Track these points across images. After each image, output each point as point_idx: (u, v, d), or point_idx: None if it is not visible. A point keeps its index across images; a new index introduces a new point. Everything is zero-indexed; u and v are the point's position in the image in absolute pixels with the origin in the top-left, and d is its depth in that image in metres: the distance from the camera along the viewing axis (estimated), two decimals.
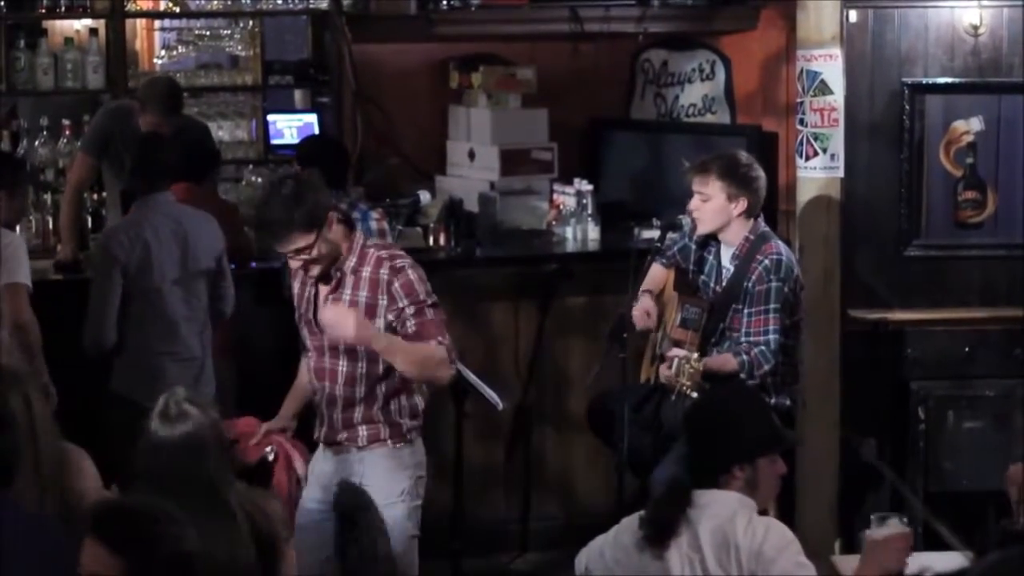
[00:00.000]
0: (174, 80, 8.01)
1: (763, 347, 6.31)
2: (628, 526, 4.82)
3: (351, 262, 5.40)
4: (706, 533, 4.63)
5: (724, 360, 6.26)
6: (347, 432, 5.50)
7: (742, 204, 6.42)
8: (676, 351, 6.18)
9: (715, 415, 4.81)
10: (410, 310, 5.35)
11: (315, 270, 5.39)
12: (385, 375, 5.44)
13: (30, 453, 4.38)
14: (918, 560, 5.27)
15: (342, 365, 5.46)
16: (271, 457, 5.53)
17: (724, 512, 4.64)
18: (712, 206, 6.44)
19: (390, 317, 5.36)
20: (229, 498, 4.44)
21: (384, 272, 5.37)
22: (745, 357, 6.27)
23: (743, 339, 6.36)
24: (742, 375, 6.24)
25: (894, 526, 4.57)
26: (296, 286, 5.60)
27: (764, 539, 4.57)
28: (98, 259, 6.77)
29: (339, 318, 5.25)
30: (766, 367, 6.31)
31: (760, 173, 6.48)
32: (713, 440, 4.70)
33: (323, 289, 5.46)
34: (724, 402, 4.93)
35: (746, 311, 6.39)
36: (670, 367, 6.09)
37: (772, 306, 6.35)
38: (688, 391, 6.01)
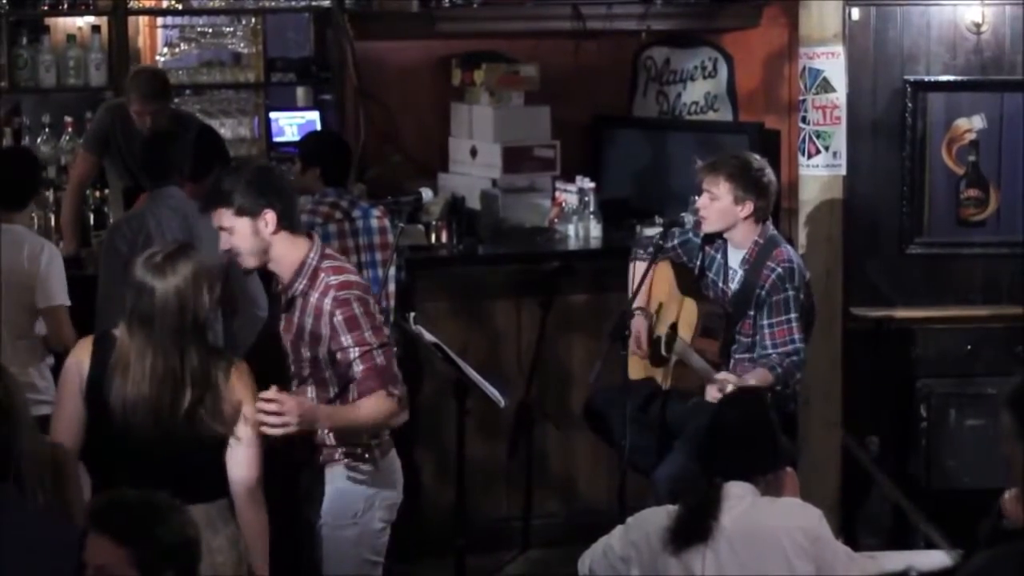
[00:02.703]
0: (157, 69, 8.00)
1: (794, 357, 6.30)
2: (638, 524, 4.84)
3: (301, 284, 5.19)
4: (727, 525, 4.68)
5: (763, 375, 6.23)
6: (304, 448, 5.28)
7: (748, 207, 6.41)
8: (727, 376, 6.13)
9: (757, 423, 4.89)
10: (355, 352, 5.10)
11: (245, 263, 5.20)
12: (336, 399, 5.23)
13: (14, 447, 4.40)
14: (903, 558, 5.31)
15: (294, 386, 5.27)
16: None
17: (741, 504, 4.70)
18: (719, 206, 6.43)
19: (333, 347, 5.15)
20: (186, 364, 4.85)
21: (328, 302, 5.13)
22: (780, 370, 6.26)
23: (770, 351, 6.34)
24: (777, 387, 6.23)
25: None
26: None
27: (804, 517, 4.75)
28: (102, 251, 6.80)
29: (281, 409, 4.91)
30: (798, 375, 6.33)
31: (771, 178, 6.46)
32: (754, 445, 4.85)
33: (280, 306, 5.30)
34: (762, 412, 5.02)
35: (766, 322, 6.37)
36: (722, 390, 6.03)
37: (793, 315, 6.35)
38: None
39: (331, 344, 5.14)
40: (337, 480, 5.26)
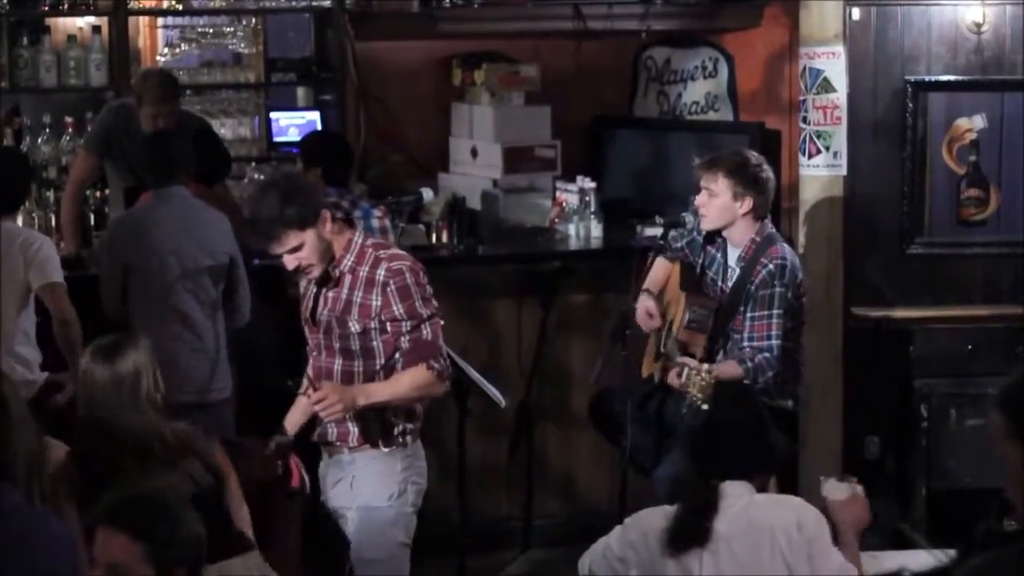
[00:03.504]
0: (166, 70, 8.02)
1: (767, 353, 6.29)
2: (636, 525, 4.84)
3: (349, 261, 5.35)
4: (724, 524, 4.68)
5: (731, 368, 6.24)
6: (339, 431, 5.45)
7: (748, 203, 6.42)
8: (686, 360, 6.14)
9: (751, 424, 4.89)
10: (406, 325, 5.30)
11: (313, 271, 5.35)
12: (382, 369, 5.38)
13: (10, 446, 4.41)
14: (894, 559, 5.31)
15: (338, 363, 5.42)
16: (280, 471, 5.46)
17: (738, 503, 4.70)
18: (718, 203, 6.43)
19: (384, 317, 5.31)
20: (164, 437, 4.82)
21: (380, 273, 5.31)
22: (749, 364, 6.26)
23: (745, 343, 6.34)
24: (746, 381, 6.23)
25: (846, 487, 4.80)
26: (302, 285, 5.58)
27: (801, 515, 4.74)
28: (103, 247, 6.81)
29: (323, 402, 5.18)
30: (769, 373, 6.30)
31: (769, 174, 6.47)
32: (749, 445, 4.84)
33: (324, 287, 5.43)
34: (756, 413, 5.02)
35: (748, 315, 6.37)
36: (680, 375, 6.06)
37: (775, 311, 6.34)
38: (699, 403, 5.96)
39: (383, 314, 5.31)
40: (373, 463, 5.42)
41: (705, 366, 6.05)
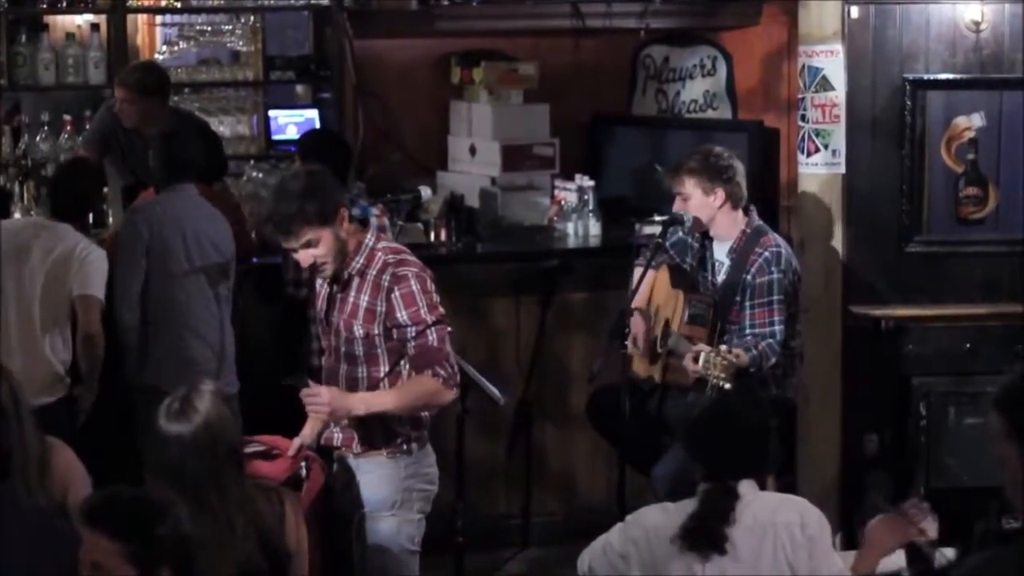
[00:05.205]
0: (152, 66, 7.98)
1: (770, 340, 6.34)
2: (637, 522, 4.84)
3: (358, 263, 5.31)
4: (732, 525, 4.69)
5: (739, 355, 6.25)
6: (344, 437, 5.43)
7: (720, 195, 6.48)
8: (701, 346, 6.17)
9: (759, 422, 4.88)
10: (412, 331, 5.24)
11: (327, 269, 5.30)
12: (386, 376, 5.35)
13: (19, 446, 4.41)
14: (893, 559, 5.30)
15: (344, 368, 5.38)
16: (304, 473, 5.37)
17: (744, 500, 4.71)
18: (693, 204, 6.51)
19: (389, 324, 5.26)
20: (227, 501, 4.50)
21: (386, 278, 5.27)
22: (755, 352, 6.29)
23: (748, 332, 6.37)
24: (751, 369, 6.25)
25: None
26: (318, 284, 5.54)
27: (804, 515, 4.76)
28: (123, 234, 6.78)
29: (315, 401, 5.16)
30: (773, 360, 6.34)
31: (733, 162, 6.52)
32: (756, 444, 4.84)
33: (335, 288, 5.40)
34: (766, 411, 5.02)
35: (748, 303, 6.40)
36: (696, 360, 6.08)
37: (776, 298, 6.38)
38: (722, 383, 6.01)
39: (387, 321, 5.26)
40: (377, 470, 5.38)
41: (723, 347, 6.09)
